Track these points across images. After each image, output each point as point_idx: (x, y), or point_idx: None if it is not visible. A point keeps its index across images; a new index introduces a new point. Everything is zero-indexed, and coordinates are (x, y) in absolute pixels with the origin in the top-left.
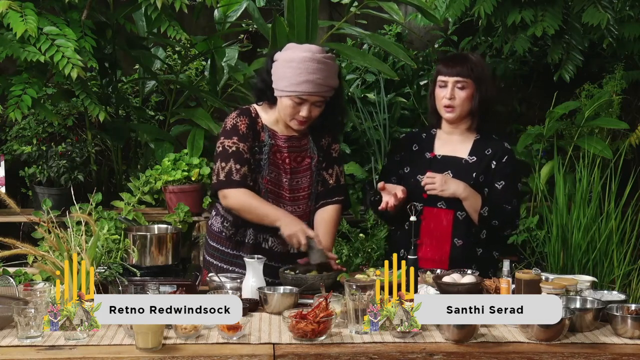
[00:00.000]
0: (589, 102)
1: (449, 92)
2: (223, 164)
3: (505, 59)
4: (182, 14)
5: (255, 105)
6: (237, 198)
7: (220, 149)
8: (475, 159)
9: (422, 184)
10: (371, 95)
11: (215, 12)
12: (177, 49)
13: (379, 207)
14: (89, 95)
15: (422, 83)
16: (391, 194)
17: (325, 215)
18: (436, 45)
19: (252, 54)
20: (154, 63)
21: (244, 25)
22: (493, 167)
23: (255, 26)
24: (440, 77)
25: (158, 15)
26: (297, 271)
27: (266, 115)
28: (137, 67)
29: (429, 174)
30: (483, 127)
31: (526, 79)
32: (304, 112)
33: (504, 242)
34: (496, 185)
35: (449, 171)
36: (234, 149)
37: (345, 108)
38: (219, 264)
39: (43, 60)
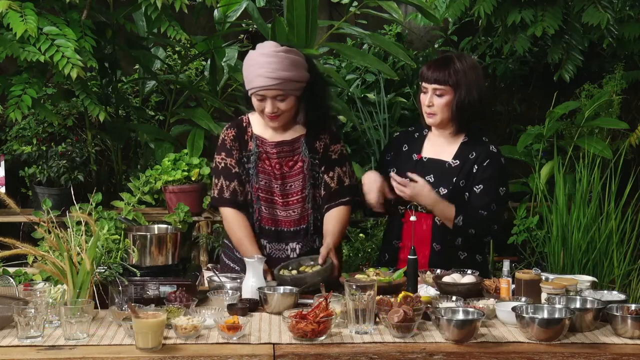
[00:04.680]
0: (589, 102)
1: (428, 99)
2: (216, 181)
3: (505, 59)
4: (182, 14)
5: (249, 115)
6: (226, 220)
7: (214, 164)
8: (458, 162)
9: (394, 186)
10: (371, 95)
11: (215, 12)
12: (177, 49)
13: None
14: (89, 95)
15: None
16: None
17: (332, 215)
18: (436, 45)
19: None
20: (154, 63)
21: (243, 25)
22: (474, 171)
23: (255, 26)
24: (422, 83)
25: (158, 15)
26: (291, 267)
27: (257, 123)
28: (137, 67)
29: (402, 181)
30: (472, 129)
31: (526, 79)
32: (268, 107)
33: (493, 244)
34: (474, 189)
35: (431, 175)
36: (222, 165)
37: (327, 102)
38: (230, 263)
39: (43, 60)
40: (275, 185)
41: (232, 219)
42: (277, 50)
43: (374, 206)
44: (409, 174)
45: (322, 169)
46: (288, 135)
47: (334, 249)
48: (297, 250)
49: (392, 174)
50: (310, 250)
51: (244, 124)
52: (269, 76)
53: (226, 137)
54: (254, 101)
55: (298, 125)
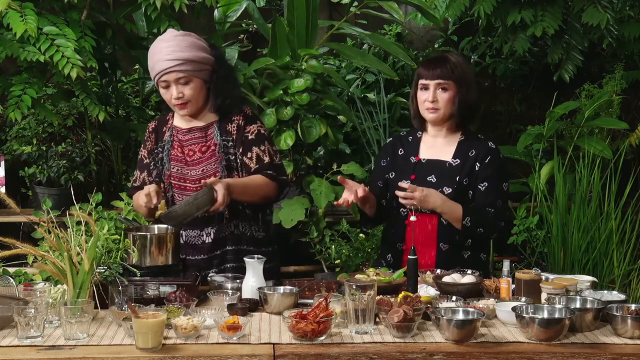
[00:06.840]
0: (589, 102)
1: (431, 95)
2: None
3: (505, 59)
4: (182, 14)
5: None
6: (134, 200)
7: None
8: (459, 161)
9: (401, 195)
10: (371, 95)
11: (215, 12)
12: None
13: (335, 202)
14: (89, 95)
15: None
16: (352, 191)
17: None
18: (436, 45)
19: (252, 54)
20: None
21: (244, 25)
22: (477, 169)
23: (255, 26)
24: (421, 81)
25: (158, 15)
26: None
27: (178, 115)
28: (137, 67)
29: (409, 186)
30: (468, 127)
31: (526, 79)
32: (174, 93)
33: (493, 244)
34: (479, 187)
35: (433, 175)
36: (139, 156)
37: (236, 87)
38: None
39: (43, 60)
40: (187, 172)
41: (137, 195)
42: (175, 34)
43: (354, 201)
44: (401, 184)
45: (240, 150)
46: (201, 122)
47: (223, 183)
48: (212, 235)
49: (401, 183)
50: (231, 235)
51: (167, 117)
52: (168, 58)
53: (147, 130)
54: (162, 92)
55: (211, 112)
